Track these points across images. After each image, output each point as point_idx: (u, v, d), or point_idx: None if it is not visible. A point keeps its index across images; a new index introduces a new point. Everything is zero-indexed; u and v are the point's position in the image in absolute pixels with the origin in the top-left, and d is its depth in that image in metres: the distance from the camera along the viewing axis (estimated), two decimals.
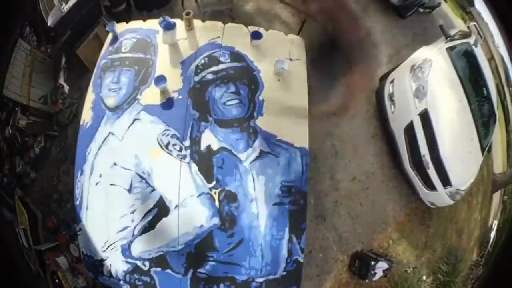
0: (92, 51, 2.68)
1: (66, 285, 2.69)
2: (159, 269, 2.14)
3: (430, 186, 2.63)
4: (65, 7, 2.85)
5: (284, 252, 2.01)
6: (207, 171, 1.94)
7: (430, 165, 2.54)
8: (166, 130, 2.00)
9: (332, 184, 2.71)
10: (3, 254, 2.56)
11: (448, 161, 2.48)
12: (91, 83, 2.29)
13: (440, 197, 2.67)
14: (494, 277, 2.40)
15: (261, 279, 2.02)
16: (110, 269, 2.23)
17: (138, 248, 2.13)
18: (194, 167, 1.96)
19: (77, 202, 2.21)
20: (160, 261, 2.11)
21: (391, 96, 2.69)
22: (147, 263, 2.20)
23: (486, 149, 2.63)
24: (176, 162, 1.95)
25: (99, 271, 2.28)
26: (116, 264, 2.20)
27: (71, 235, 2.74)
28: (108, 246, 2.16)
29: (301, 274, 2.09)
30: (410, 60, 2.75)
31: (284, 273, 2.03)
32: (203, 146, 1.98)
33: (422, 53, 2.68)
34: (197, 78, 2.07)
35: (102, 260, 2.24)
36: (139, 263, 2.17)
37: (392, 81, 2.75)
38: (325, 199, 2.70)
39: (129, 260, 2.17)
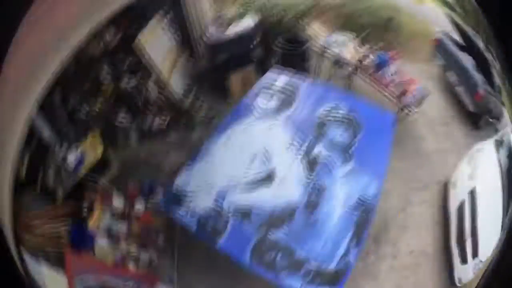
0: (243, 82, 3.49)
1: None
2: (238, 220, 2.55)
3: (464, 259, 2.90)
4: (228, 33, 3.52)
5: (341, 250, 2.56)
6: (311, 168, 2.84)
7: (468, 237, 2.85)
8: (294, 136, 2.90)
9: (391, 252, 2.94)
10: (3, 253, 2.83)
11: (481, 233, 2.82)
12: (240, 101, 2.94)
13: (467, 270, 2.91)
14: (494, 277, 2.59)
15: (313, 264, 2.52)
16: (191, 204, 2.56)
17: (232, 197, 2.56)
18: (304, 163, 2.86)
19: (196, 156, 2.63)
20: (243, 213, 2.55)
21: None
22: (232, 210, 2.56)
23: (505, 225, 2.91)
24: (293, 156, 2.88)
25: (179, 204, 2.55)
26: (201, 203, 2.54)
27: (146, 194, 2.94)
28: (206, 188, 2.58)
29: (345, 279, 2.48)
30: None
31: (333, 269, 2.52)
32: (313, 154, 2.90)
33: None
34: (322, 116, 3.01)
35: (188, 195, 2.59)
36: (225, 207, 2.55)
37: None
38: (379, 262, 2.90)
39: (218, 203, 2.56)
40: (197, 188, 2.72)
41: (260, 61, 3.68)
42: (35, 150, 2.75)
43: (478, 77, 3.51)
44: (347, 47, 3.96)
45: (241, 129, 3.08)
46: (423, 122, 3.76)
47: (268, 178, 2.84)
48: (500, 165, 3.14)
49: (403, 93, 3.67)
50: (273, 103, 3.26)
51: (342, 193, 2.91)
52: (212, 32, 3.63)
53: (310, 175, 2.94)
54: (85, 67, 2.85)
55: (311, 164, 3.01)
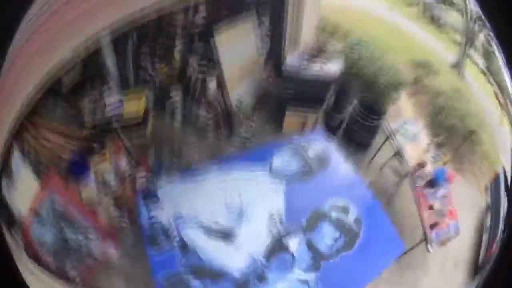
0: (298, 125, 3.24)
1: None
2: (176, 248, 2.60)
3: None
4: (311, 69, 3.10)
5: None
6: (271, 254, 2.60)
7: None
8: (285, 211, 2.70)
9: None
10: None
11: None
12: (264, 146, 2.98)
13: None
14: (494, 277, 2.49)
15: None
16: (153, 210, 2.67)
17: (186, 229, 2.62)
18: (269, 245, 2.62)
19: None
20: (184, 247, 2.59)
21: None
22: (178, 238, 2.60)
23: None
24: (266, 232, 2.65)
25: (147, 202, 2.70)
26: (162, 216, 2.65)
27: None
28: (177, 214, 2.64)
29: None
30: None
31: None
32: (286, 240, 2.65)
33: None
34: (326, 208, 2.76)
35: (158, 201, 2.67)
36: (175, 232, 2.62)
37: None
38: None
39: (173, 225, 2.63)
40: (166, 203, 2.72)
41: (324, 113, 3.51)
42: (92, 67, 2.73)
43: (502, 227, 3.40)
44: (416, 142, 3.67)
45: (244, 177, 2.84)
46: (437, 257, 3.55)
47: (227, 236, 2.66)
48: None
49: (436, 224, 3.17)
50: (294, 167, 2.95)
51: None
52: (299, 61, 3.46)
53: (266, 262, 2.61)
54: (164, 28, 2.83)
55: (275, 250, 2.63)
